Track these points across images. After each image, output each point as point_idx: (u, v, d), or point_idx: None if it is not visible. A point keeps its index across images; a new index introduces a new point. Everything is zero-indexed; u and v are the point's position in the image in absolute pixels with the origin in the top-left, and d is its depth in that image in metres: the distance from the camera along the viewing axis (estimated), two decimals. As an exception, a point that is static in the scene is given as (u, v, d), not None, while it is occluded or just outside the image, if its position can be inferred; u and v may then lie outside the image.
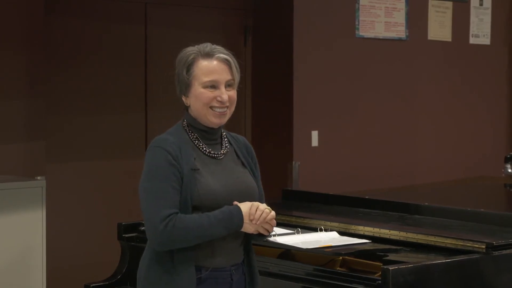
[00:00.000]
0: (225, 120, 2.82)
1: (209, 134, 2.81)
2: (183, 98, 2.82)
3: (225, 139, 2.88)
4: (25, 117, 5.13)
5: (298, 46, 6.16)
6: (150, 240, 2.71)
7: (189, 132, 2.81)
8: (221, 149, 2.84)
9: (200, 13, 6.13)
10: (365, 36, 6.56)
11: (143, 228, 3.86)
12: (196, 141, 2.81)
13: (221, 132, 2.87)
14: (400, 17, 6.76)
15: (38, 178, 4.86)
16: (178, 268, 2.70)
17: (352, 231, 3.67)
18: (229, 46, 6.92)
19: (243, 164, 2.87)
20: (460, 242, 3.32)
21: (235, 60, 2.83)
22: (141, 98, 5.86)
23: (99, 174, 5.67)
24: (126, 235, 3.90)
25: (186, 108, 2.84)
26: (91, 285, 3.89)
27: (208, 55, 2.79)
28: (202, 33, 6.06)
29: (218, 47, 2.83)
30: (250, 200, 2.79)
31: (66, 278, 5.38)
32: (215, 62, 2.78)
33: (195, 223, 2.67)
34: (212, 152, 2.82)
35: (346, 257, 3.39)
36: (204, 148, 2.80)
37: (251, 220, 2.72)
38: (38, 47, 5.17)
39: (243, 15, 6.36)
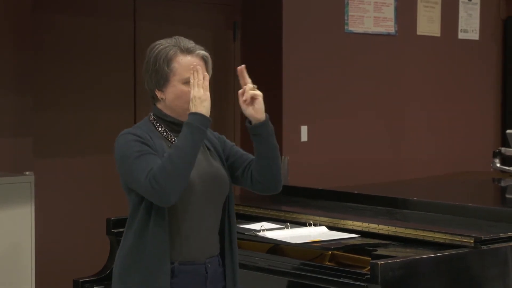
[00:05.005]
0: None
1: (177, 126, 2.80)
2: (157, 92, 2.80)
3: None
4: (13, 113, 5.10)
5: (287, 41, 6.16)
6: (153, 199, 2.64)
7: (157, 125, 2.81)
8: None
9: (189, 8, 6.12)
10: (354, 31, 6.56)
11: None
12: (165, 133, 2.81)
13: None
14: (389, 12, 6.77)
15: (27, 173, 4.84)
16: (152, 263, 2.70)
17: (341, 226, 3.67)
18: (218, 41, 6.91)
19: (211, 154, 2.87)
20: (448, 237, 3.33)
21: (210, 58, 2.83)
22: (130, 94, 5.85)
23: (87, 170, 5.66)
24: (115, 230, 3.89)
25: (154, 102, 2.83)
26: (80, 280, 3.88)
27: (188, 51, 2.78)
28: (191, 29, 6.05)
29: (193, 42, 2.82)
30: (223, 186, 2.82)
31: (55, 273, 5.37)
32: (195, 58, 2.78)
33: (167, 155, 2.63)
34: None
35: (335, 252, 3.39)
36: (174, 139, 2.80)
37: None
38: (25, 43, 5.14)
39: (232, 10, 6.35)
